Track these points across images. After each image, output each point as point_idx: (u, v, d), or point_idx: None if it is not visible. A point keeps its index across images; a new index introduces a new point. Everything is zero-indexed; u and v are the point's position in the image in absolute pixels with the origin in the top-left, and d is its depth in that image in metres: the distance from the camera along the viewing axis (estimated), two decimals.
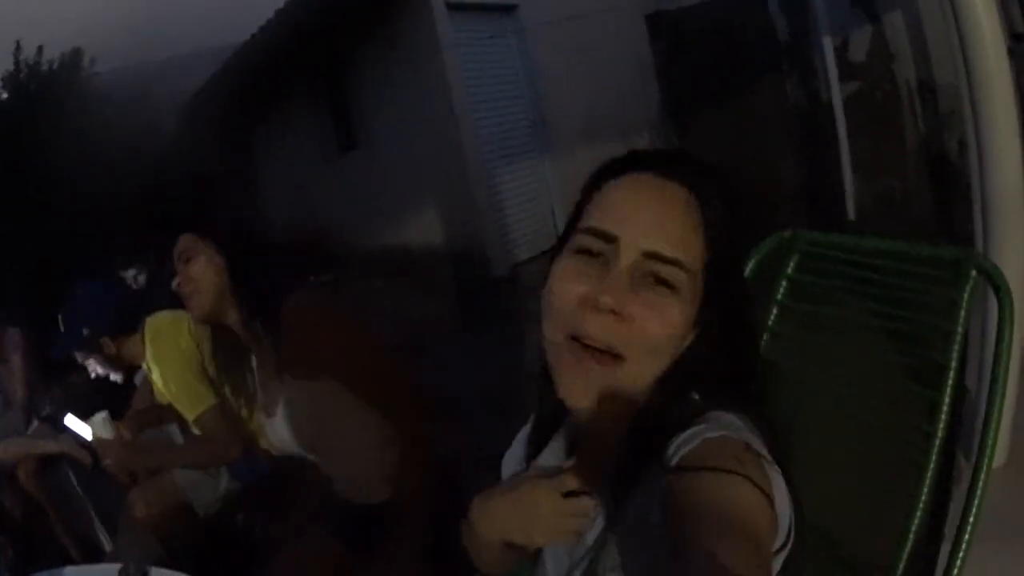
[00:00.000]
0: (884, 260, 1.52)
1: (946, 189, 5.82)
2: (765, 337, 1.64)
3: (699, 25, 7.80)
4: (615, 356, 1.00)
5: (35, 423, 4.02)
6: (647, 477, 0.99)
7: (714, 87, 7.00)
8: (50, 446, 3.84)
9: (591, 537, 1.08)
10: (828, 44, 6.67)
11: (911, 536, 1.33)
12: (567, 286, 1.03)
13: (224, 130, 9.85)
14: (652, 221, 1.01)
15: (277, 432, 2.09)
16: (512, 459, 1.31)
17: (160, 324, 3.02)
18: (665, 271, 0.99)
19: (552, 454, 1.21)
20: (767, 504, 0.90)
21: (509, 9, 8.26)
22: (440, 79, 7.90)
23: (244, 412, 3.08)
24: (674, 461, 0.95)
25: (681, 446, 0.95)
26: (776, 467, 0.97)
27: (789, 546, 0.98)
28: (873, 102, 6.57)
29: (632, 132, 7.32)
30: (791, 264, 1.65)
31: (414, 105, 8.24)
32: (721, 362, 1.04)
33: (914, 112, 6.59)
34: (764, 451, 0.97)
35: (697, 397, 1.03)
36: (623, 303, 0.98)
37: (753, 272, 1.68)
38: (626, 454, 1.04)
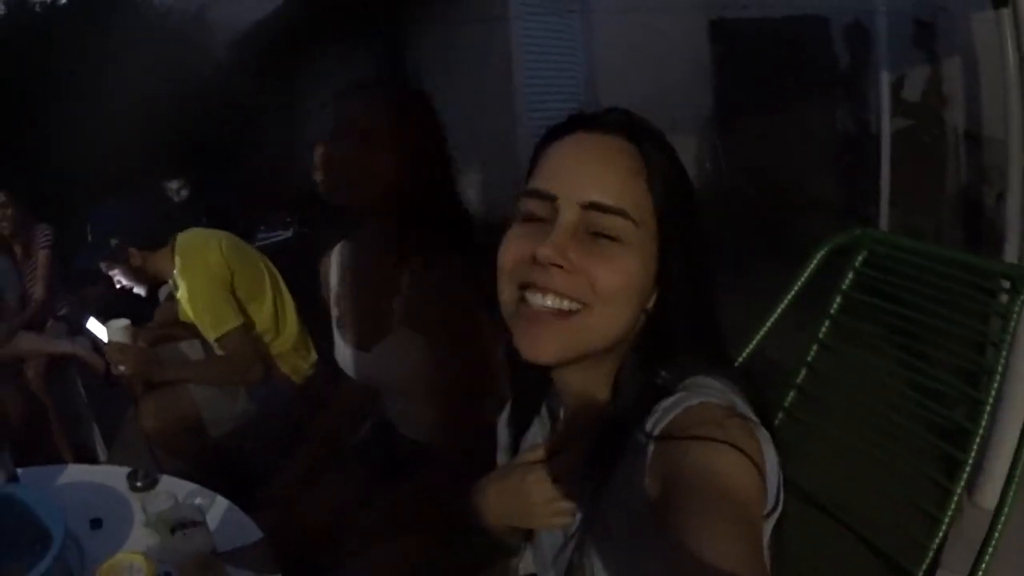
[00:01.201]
0: (943, 266, 1.62)
1: (977, 237, 5.89)
2: (826, 324, 1.73)
3: (761, 38, 7.83)
4: (573, 312, 0.98)
5: (50, 322, 4.06)
6: (631, 448, 0.98)
7: (767, 100, 7.03)
8: (65, 346, 3.85)
9: (581, 511, 1.10)
10: (885, 78, 6.67)
11: (944, 524, 1.42)
12: (512, 249, 1.03)
13: (275, 67, 9.86)
14: (589, 173, 1.00)
15: (356, 361, 2.03)
16: (502, 436, 1.33)
17: (192, 240, 3.01)
18: (608, 222, 0.98)
19: (538, 433, 1.23)
20: (755, 472, 0.88)
21: None
22: (503, 48, 7.93)
23: (268, 337, 3.07)
24: (657, 430, 0.94)
25: (663, 415, 0.95)
26: (762, 428, 0.95)
27: (779, 509, 0.96)
28: (920, 143, 6.61)
29: (680, 129, 7.36)
30: (859, 259, 1.75)
31: (472, 69, 8.21)
32: (692, 322, 1.03)
33: (958, 160, 6.63)
34: (749, 413, 0.96)
35: (675, 362, 1.02)
36: (564, 254, 0.97)
37: (821, 263, 1.77)
38: (607, 426, 1.04)
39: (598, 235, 0.98)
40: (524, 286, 1.01)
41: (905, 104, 6.74)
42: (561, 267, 0.97)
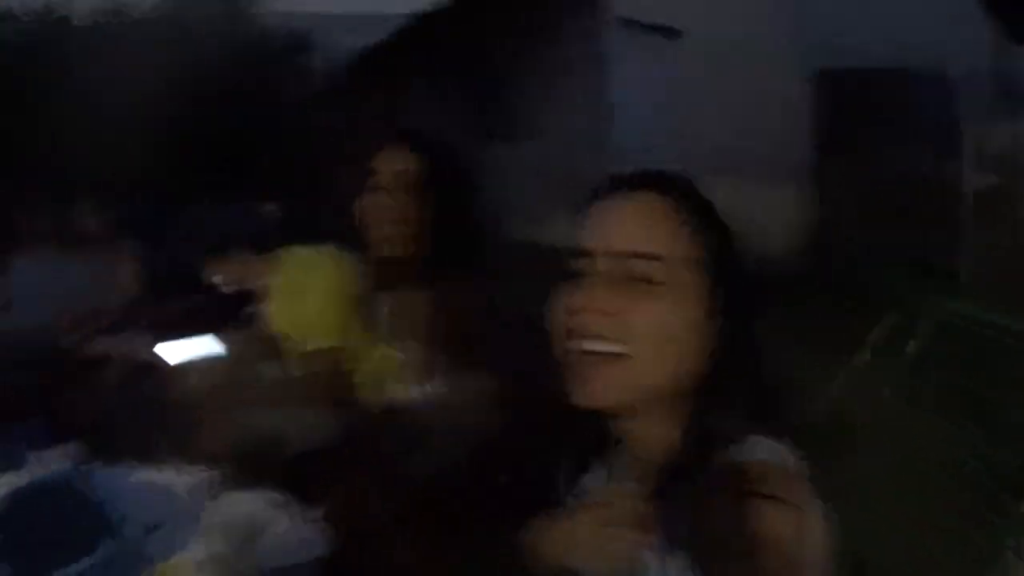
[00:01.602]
0: (1011, 338, 1.61)
1: None
2: (890, 390, 1.74)
3: (858, 89, 7.83)
4: (617, 356, 1.01)
5: (134, 332, 4.17)
6: (690, 499, 0.98)
7: (861, 152, 7.00)
8: (146, 354, 3.98)
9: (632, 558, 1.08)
10: (971, 134, 6.62)
11: None
12: (558, 306, 1.07)
13: (373, 97, 9.93)
14: (620, 224, 1.06)
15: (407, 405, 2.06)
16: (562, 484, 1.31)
17: (303, 254, 2.88)
18: (639, 265, 1.02)
19: (597, 480, 1.22)
20: (812, 531, 0.90)
21: (674, 34, 8.33)
22: (601, 90, 8.09)
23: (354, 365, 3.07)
24: (718, 485, 0.95)
25: (725, 470, 0.97)
26: (816, 495, 0.96)
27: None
28: (1003, 198, 6.51)
29: (775, 179, 7.35)
30: (927, 328, 1.75)
31: (566, 114, 8.37)
32: (742, 369, 1.05)
33: None
34: (808, 473, 0.97)
35: (738, 418, 1.03)
36: (597, 299, 1.02)
37: (888, 329, 1.78)
38: (667, 476, 1.04)
39: (634, 280, 1.02)
40: (571, 336, 1.05)
41: (989, 159, 6.66)
42: (598, 311, 1.02)
